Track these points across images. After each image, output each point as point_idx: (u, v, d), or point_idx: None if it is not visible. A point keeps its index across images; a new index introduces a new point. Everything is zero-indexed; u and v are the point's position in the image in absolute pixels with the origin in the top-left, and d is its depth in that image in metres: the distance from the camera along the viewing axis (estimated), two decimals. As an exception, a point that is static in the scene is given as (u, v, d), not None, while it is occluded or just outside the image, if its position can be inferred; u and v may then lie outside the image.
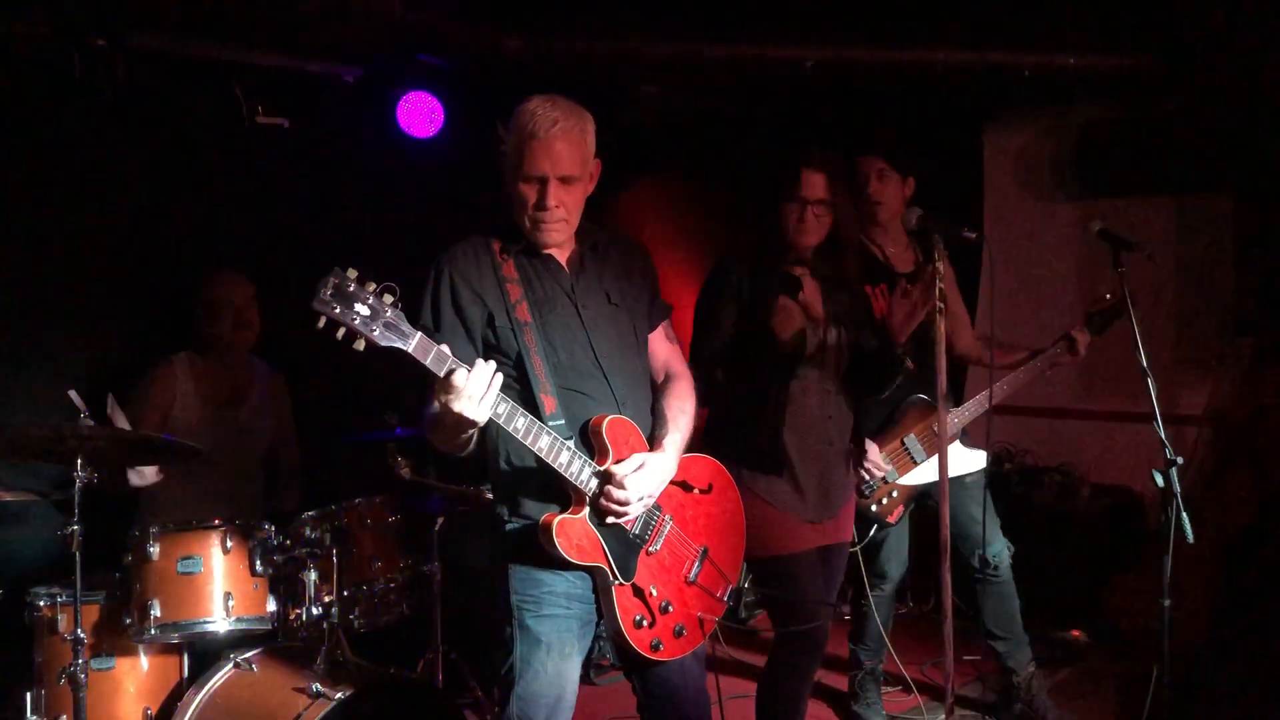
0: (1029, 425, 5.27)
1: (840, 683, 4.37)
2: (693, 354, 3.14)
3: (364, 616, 3.51)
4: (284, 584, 3.42)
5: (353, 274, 2.16)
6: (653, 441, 2.64)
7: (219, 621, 3.25)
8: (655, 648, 2.60)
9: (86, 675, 3.09)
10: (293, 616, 3.40)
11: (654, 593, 2.60)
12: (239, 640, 3.35)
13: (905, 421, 3.80)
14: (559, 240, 2.61)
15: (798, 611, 3.24)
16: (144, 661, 3.33)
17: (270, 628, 3.37)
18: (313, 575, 3.37)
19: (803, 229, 3.22)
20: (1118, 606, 4.87)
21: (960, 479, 3.91)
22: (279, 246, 4.47)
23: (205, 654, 3.38)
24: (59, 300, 4.11)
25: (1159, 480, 3.09)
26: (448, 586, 4.05)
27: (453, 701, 3.48)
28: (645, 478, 2.51)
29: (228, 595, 3.26)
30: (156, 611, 3.18)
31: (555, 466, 2.44)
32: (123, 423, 3.51)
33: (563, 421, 2.50)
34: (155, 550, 3.22)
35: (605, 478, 2.48)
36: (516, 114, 2.53)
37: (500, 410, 2.34)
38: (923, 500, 3.86)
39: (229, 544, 3.29)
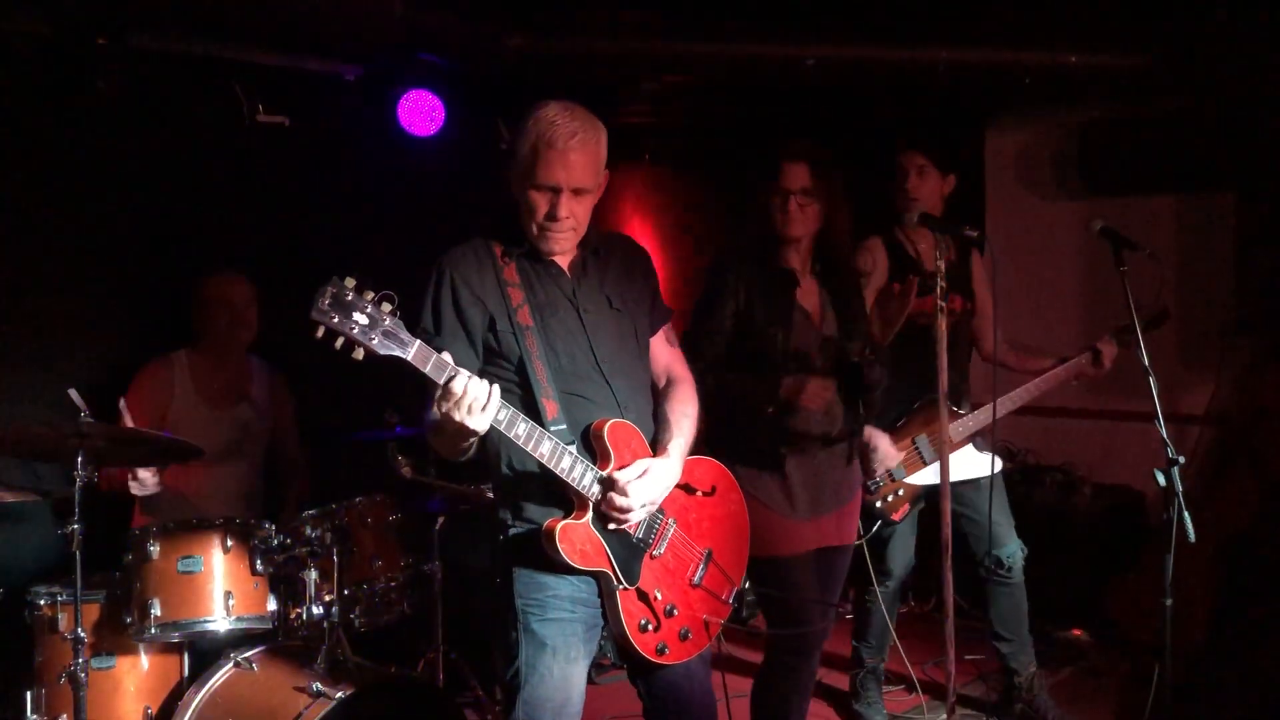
0: (1030, 424, 5.25)
1: (842, 681, 4.37)
2: (689, 353, 3.14)
3: (365, 616, 3.51)
4: (284, 583, 3.43)
5: (350, 283, 2.15)
6: (656, 446, 2.63)
7: (219, 620, 3.25)
8: (660, 651, 2.59)
9: (87, 674, 3.09)
10: (293, 616, 3.40)
11: (659, 596, 2.59)
12: (239, 639, 3.35)
13: (918, 421, 3.79)
14: (565, 250, 2.61)
15: (791, 613, 3.24)
16: (144, 661, 3.33)
17: (271, 627, 3.37)
18: (313, 574, 3.37)
19: (787, 220, 3.23)
20: (1119, 606, 4.87)
21: (975, 480, 3.90)
22: (279, 245, 4.48)
23: (206, 653, 3.38)
24: (59, 299, 4.11)
25: (1160, 479, 3.08)
26: (448, 586, 4.05)
27: (453, 701, 3.48)
28: (649, 484, 2.51)
29: (228, 594, 3.26)
30: (157, 610, 3.18)
31: (557, 472, 2.43)
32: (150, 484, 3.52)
33: (564, 426, 2.49)
34: (155, 549, 3.22)
35: (608, 484, 2.47)
36: (532, 119, 2.49)
37: (501, 416, 2.33)
38: (932, 500, 3.83)
39: (229, 543, 3.29)
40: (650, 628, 2.57)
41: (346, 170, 4.83)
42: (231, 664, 3.29)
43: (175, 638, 3.27)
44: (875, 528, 3.71)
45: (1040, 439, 5.49)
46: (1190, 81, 4.75)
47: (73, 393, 3.17)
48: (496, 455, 2.57)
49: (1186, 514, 3.03)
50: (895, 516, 3.78)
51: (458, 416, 2.25)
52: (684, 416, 2.71)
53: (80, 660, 3.06)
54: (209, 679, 3.28)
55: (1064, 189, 5.63)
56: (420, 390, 2.39)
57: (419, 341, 2.24)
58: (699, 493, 2.73)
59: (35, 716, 3.23)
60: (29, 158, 4.01)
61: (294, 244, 4.48)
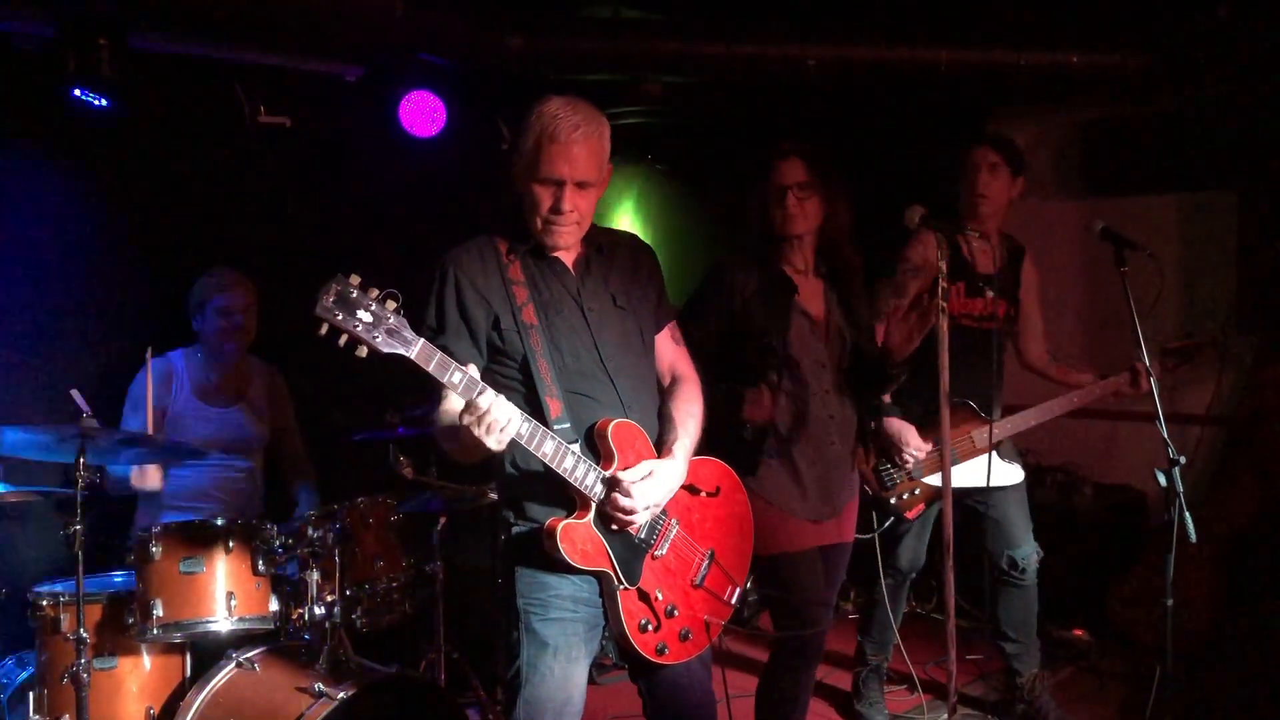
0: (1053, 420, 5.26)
1: (843, 681, 4.37)
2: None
3: (366, 616, 3.50)
4: (286, 583, 3.42)
5: (355, 280, 2.15)
6: (661, 446, 2.63)
7: (221, 621, 3.24)
8: (660, 651, 2.59)
9: (89, 675, 3.08)
10: (295, 616, 3.39)
11: (659, 597, 2.59)
12: (241, 640, 3.35)
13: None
14: (569, 244, 2.60)
15: (796, 612, 3.24)
16: (146, 661, 3.32)
17: (273, 627, 3.37)
18: (315, 575, 3.36)
19: (786, 216, 3.23)
20: (1120, 606, 4.87)
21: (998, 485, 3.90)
22: (280, 246, 4.48)
23: (208, 653, 3.38)
24: (60, 299, 4.11)
25: (1161, 479, 3.09)
26: (450, 586, 4.05)
27: (455, 701, 3.47)
28: (653, 486, 2.51)
29: (230, 595, 3.26)
30: (159, 611, 3.17)
31: (560, 472, 2.43)
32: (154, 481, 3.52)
33: (568, 425, 2.49)
34: (158, 550, 3.22)
35: (612, 485, 2.47)
36: (535, 114, 2.50)
37: (524, 430, 2.35)
38: (960, 501, 3.79)
39: (231, 544, 3.29)
40: (651, 628, 2.57)
41: (348, 171, 4.83)
42: (233, 664, 3.29)
43: (177, 638, 3.26)
44: (888, 523, 3.70)
45: (1042, 439, 5.47)
46: (1191, 81, 4.76)
47: (75, 393, 3.17)
48: (500, 454, 2.55)
49: (1187, 514, 3.03)
50: (909, 515, 3.77)
51: (476, 433, 2.26)
52: (689, 416, 2.71)
53: (82, 660, 3.06)
54: (211, 679, 3.27)
55: (1065, 189, 5.63)
56: (423, 389, 2.39)
57: (422, 340, 2.24)
58: (703, 493, 2.73)
59: (37, 716, 3.23)
60: (30, 158, 4.01)
61: (295, 245, 4.48)
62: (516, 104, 2.58)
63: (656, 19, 4.87)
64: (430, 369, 2.25)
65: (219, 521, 3.33)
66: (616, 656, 2.66)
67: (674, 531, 2.64)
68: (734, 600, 2.78)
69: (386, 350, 2.19)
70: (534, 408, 2.46)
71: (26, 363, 4.01)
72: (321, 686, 3.07)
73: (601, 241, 2.69)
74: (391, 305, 2.19)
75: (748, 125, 5.98)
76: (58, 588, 3.28)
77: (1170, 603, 3.17)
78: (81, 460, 3.07)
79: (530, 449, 2.39)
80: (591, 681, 4.41)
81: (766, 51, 4.68)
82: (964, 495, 3.83)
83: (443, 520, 4.05)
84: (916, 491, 3.74)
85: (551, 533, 2.45)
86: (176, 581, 3.23)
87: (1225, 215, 4.91)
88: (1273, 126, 4.78)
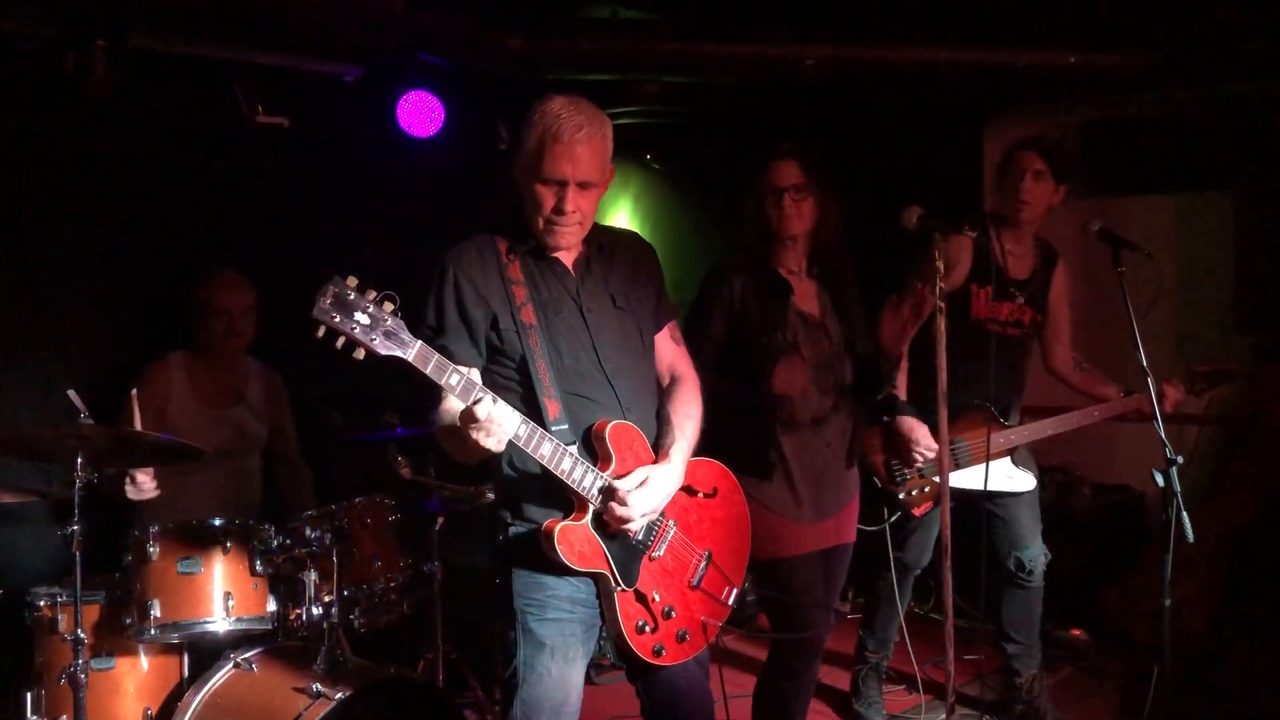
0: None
1: (842, 680, 4.38)
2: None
3: (364, 616, 3.50)
4: (284, 584, 3.42)
5: (352, 282, 2.15)
6: (659, 449, 2.63)
7: (219, 621, 3.24)
8: (658, 653, 2.59)
9: (86, 675, 3.08)
10: (293, 616, 3.39)
11: (657, 598, 2.59)
12: (239, 640, 3.35)
13: (962, 423, 3.76)
14: (570, 245, 2.60)
15: (795, 614, 3.24)
16: (144, 661, 3.32)
17: (270, 627, 3.37)
18: (313, 575, 3.36)
19: (783, 217, 3.23)
20: (1118, 606, 4.87)
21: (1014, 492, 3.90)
22: (279, 246, 4.48)
23: (205, 654, 3.38)
24: (58, 300, 4.11)
25: (1159, 480, 3.09)
26: (448, 586, 4.05)
27: (453, 701, 3.48)
28: (649, 493, 2.50)
29: (228, 595, 3.26)
30: (156, 611, 3.18)
31: (557, 474, 2.43)
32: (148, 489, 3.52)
33: (566, 426, 2.49)
34: (155, 550, 3.22)
35: (608, 494, 2.47)
36: (538, 113, 2.49)
37: (521, 432, 2.35)
38: (957, 502, 3.78)
39: (229, 544, 3.29)
40: (648, 629, 2.57)
41: (346, 171, 4.83)
42: (231, 665, 3.29)
43: (175, 638, 3.26)
44: (895, 516, 3.70)
45: (1040, 439, 5.49)
46: (1189, 82, 4.76)
47: (72, 394, 3.17)
48: (498, 455, 2.54)
49: (1185, 514, 3.03)
50: (917, 511, 3.76)
51: (474, 435, 2.26)
52: (687, 418, 2.70)
53: (80, 661, 3.05)
54: (208, 680, 3.27)
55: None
56: (422, 389, 2.39)
57: (420, 342, 2.23)
58: (700, 494, 2.73)
59: (35, 717, 3.22)
60: (29, 158, 4.01)
61: (294, 245, 4.48)
62: (515, 104, 2.58)
63: (655, 19, 4.87)
64: (428, 371, 2.25)
65: (216, 522, 3.33)
66: (614, 657, 2.66)
67: (671, 533, 2.64)
68: (731, 601, 2.78)
69: (384, 352, 2.18)
70: (532, 408, 2.46)
71: (24, 363, 4.00)
72: (319, 687, 3.07)
73: (602, 241, 2.68)
74: (389, 307, 2.19)
75: (746, 125, 5.99)
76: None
77: (1168, 603, 3.17)
78: (79, 460, 3.07)
79: (528, 451, 2.39)
80: (590, 682, 4.45)
81: (765, 52, 4.69)
82: (976, 496, 3.82)
83: (441, 520, 4.05)
84: (926, 489, 3.73)
85: (549, 534, 2.44)
86: (174, 582, 3.23)
87: (1223, 216, 4.91)
88: (1270, 128, 4.78)
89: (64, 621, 3.20)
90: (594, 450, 2.54)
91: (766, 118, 5.80)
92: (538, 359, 2.50)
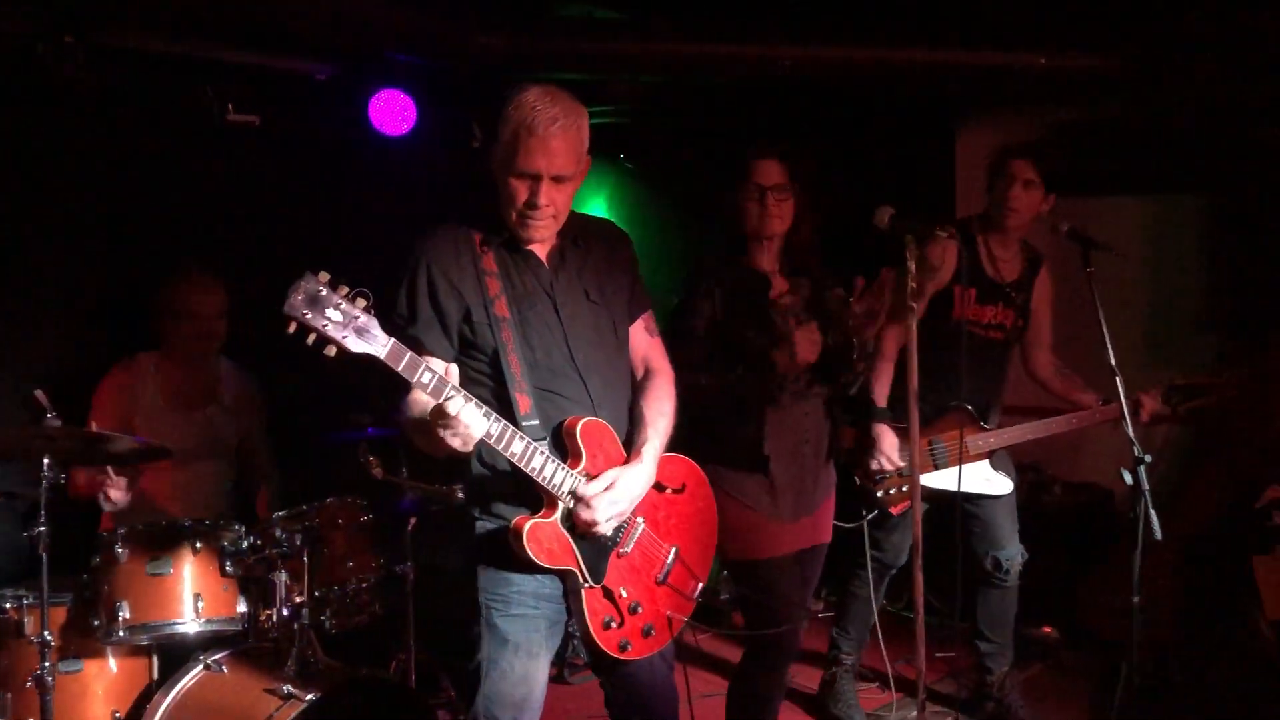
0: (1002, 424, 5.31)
1: (812, 680, 4.39)
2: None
3: (336, 617, 3.49)
4: (255, 585, 3.40)
5: (324, 278, 2.13)
6: (630, 447, 2.63)
7: (189, 623, 3.22)
8: (623, 648, 2.59)
9: (54, 678, 3.05)
10: (264, 617, 3.38)
11: (624, 594, 2.59)
12: (209, 642, 3.33)
13: (941, 424, 3.78)
14: (544, 238, 2.58)
15: (772, 613, 3.25)
16: (112, 664, 3.30)
17: (241, 629, 3.35)
18: (283, 576, 3.34)
19: (765, 216, 3.23)
20: (1087, 603, 4.91)
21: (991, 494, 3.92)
22: (250, 245, 4.45)
23: (175, 656, 3.35)
24: (27, 299, 4.07)
25: (1127, 478, 3.11)
26: (421, 586, 4.04)
27: (426, 702, 3.48)
28: (616, 496, 2.49)
29: (197, 596, 3.23)
30: (125, 613, 3.15)
31: (528, 471, 2.42)
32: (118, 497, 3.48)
33: (537, 422, 2.48)
34: (124, 552, 3.19)
35: (577, 498, 2.46)
36: (513, 104, 2.44)
37: (494, 430, 2.33)
38: (935, 502, 3.79)
39: (199, 545, 3.27)
40: (614, 625, 2.57)
41: (318, 170, 4.80)
42: (201, 666, 3.27)
43: (144, 640, 3.24)
44: (873, 514, 3.71)
45: (1019, 443, 5.53)
46: (1159, 82, 4.80)
47: (39, 394, 3.14)
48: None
49: (1153, 512, 3.06)
50: (894, 510, 3.78)
51: (441, 434, 2.25)
52: (659, 415, 2.70)
53: (47, 664, 3.03)
54: (178, 682, 3.25)
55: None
56: (394, 389, 2.38)
57: (393, 340, 2.21)
58: (669, 490, 2.73)
59: (1, 720, 3.20)
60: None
61: (265, 245, 4.46)
62: (488, 103, 2.55)
63: (628, 18, 4.87)
64: (400, 369, 2.23)
65: (186, 523, 3.31)
66: (586, 654, 2.66)
67: (640, 530, 2.64)
68: (696, 596, 2.78)
69: (356, 349, 2.16)
70: (503, 403, 2.45)
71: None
72: (290, 688, 3.06)
73: (577, 232, 2.65)
74: (361, 304, 2.17)
75: (721, 125, 5.99)
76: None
77: (1137, 600, 3.20)
78: (46, 462, 3.04)
79: (499, 449, 2.38)
80: (564, 681, 4.46)
81: (740, 52, 4.69)
82: (953, 497, 3.84)
83: (413, 521, 4.03)
84: (904, 488, 3.74)
85: (518, 532, 2.43)
86: (143, 583, 3.21)
87: (1192, 217, 4.96)
88: (1239, 130, 4.83)
89: (31, 624, 3.17)
90: (564, 446, 2.53)
91: (739, 117, 5.81)
92: (511, 353, 2.48)
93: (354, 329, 2.15)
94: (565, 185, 2.49)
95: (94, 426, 3.40)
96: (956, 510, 3.88)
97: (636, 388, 2.77)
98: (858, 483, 3.73)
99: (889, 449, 3.65)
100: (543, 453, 2.43)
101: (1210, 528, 4.74)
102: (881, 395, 3.75)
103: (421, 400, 2.36)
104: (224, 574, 3.30)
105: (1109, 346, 3.28)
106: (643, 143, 6.26)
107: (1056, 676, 4.68)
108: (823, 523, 3.43)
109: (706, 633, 5.20)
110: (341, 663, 3.39)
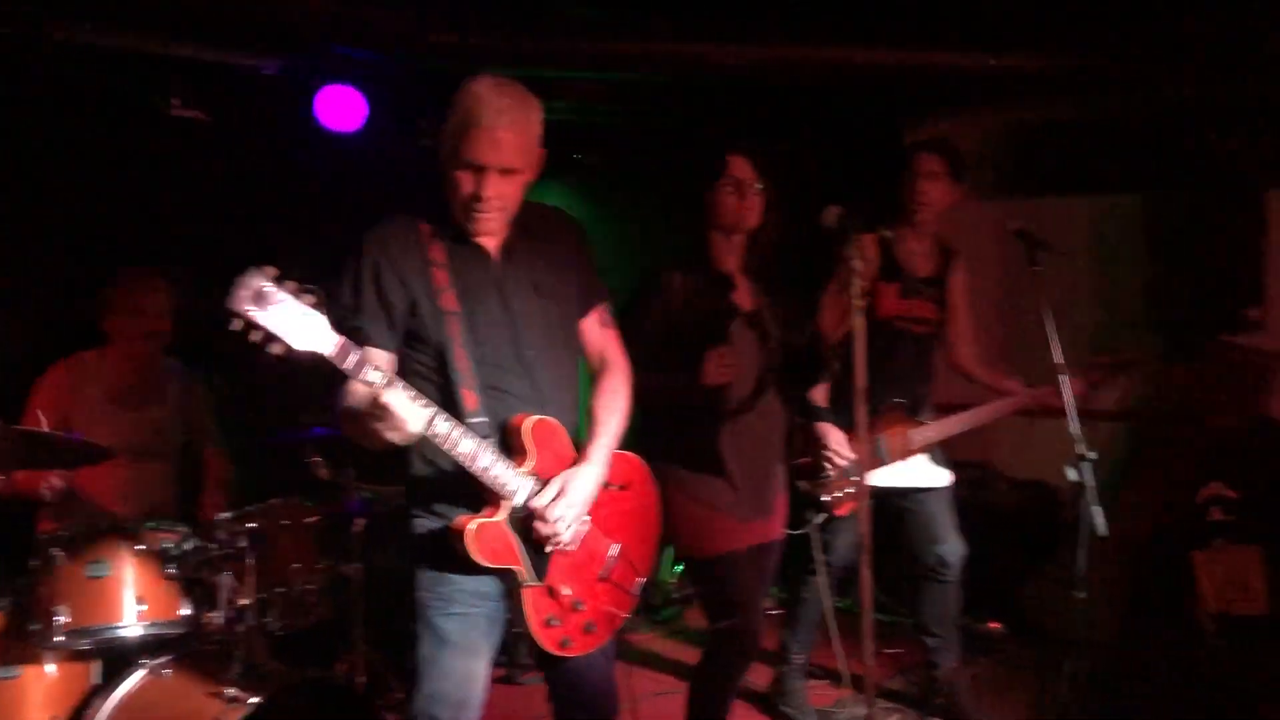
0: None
1: (763, 677, 4.40)
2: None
3: (282, 619, 3.45)
4: (199, 587, 3.34)
5: (271, 273, 2.07)
6: (581, 448, 2.61)
7: (130, 626, 3.15)
8: (564, 645, 2.57)
9: (-11, 685, 2.99)
10: (207, 620, 3.32)
11: (566, 592, 2.56)
12: (152, 645, 3.26)
13: (880, 422, 3.80)
14: (491, 231, 2.53)
15: (732, 611, 3.25)
16: (51, 669, 3.22)
17: (184, 632, 3.28)
18: (228, 578, 3.30)
19: (743, 207, 3.25)
20: (1033, 599, 4.97)
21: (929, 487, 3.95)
22: (197, 242, 4.38)
23: (117, 660, 3.28)
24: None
25: (1072, 475, 3.15)
26: (371, 587, 4.00)
27: (374, 703, 3.45)
28: (571, 500, 2.48)
29: (139, 599, 3.17)
30: (64, 617, 3.07)
31: (475, 471, 2.39)
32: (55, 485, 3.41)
33: (484, 419, 2.44)
34: (61, 554, 3.12)
35: (531, 512, 2.44)
36: (463, 93, 2.41)
37: (440, 430, 2.30)
38: (880, 500, 3.79)
39: (140, 546, 3.20)
40: (555, 622, 2.54)
41: (266, 166, 4.76)
42: (144, 670, 3.20)
43: (84, 645, 3.16)
44: (819, 518, 3.73)
45: (957, 435, 5.58)
46: (1105, 85, 4.87)
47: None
48: (409, 448, 2.50)
49: (1097, 509, 3.10)
50: (839, 511, 3.79)
51: (377, 427, 2.21)
52: (612, 413, 2.68)
53: (-18, 670, 2.97)
54: (119, 686, 3.17)
55: (982, 189, 5.73)
56: (341, 384, 2.33)
57: (341, 338, 2.16)
58: (613, 487, 2.71)
59: (-66, 730, 3.13)
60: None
61: (212, 241, 4.39)
62: (441, 101, 2.52)
63: (582, 15, 4.85)
64: (347, 367, 2.18)
65: (127, 524, 3.25)
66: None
67: (585, 528, 2.62)
68: (637, 591, 2.76)
69: (302, 347, 2.10)
70: (448, 399, 2.41)
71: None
72: (234, 691, 3.02)
73: (528, 221, 2.59)
74: (309, 299, 2.10)
75: (677, 123, 6.00)
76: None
77: (1082, 596, 3.24)
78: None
79: (446, 448, 2.34)
80: (514, 682, 4.44)
81: (690, 49, 4.69)
82: (892, 495, 3.88)
83: (361, 521, 4.00)
84: (849, 489, 3.76)
85: (461, 532, 2.40)
86: (82, 586, 3.13)
87: (1137, 218, 5.03)
88: (1183, 130, 4.91)
89: (-35, 629, 3.10)
90: (510, 444, 2.50)
91: (694, 116, 5.82)
92: (458, 348, 2.45)
93: (301, 326, 2.10)
94: (514, 178, 2.45)
95: (30, 423, 3.33)
96: (898, 509, 3.93)
97: (591, 381, 2.75)
98: (802, 489, 3.74)
99: (838, 445, 3.67)
100: (490, 452, 2.40)
101: (1152, 524, 4.82)
102: (821, 396, 3.77)
103: (358, 390, 2.28)
104: (167, 576, 3.24)
105: (1055, 344, 3.32)
106: (599, 140, 6.24)
107: (1003, 672, 4.72)
108: (777, 520, 3.44)
109: (662, 629, 5.22)
110: (288, 665, 3.34)
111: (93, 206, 4.25)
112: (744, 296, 3.35)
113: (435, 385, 2.45)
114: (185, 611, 3.27)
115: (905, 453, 3.85)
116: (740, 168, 3.26)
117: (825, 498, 3.73)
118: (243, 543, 3.31)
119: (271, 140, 4.77)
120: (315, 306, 2.11)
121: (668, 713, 3.46)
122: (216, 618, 3.29)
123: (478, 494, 2.46)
